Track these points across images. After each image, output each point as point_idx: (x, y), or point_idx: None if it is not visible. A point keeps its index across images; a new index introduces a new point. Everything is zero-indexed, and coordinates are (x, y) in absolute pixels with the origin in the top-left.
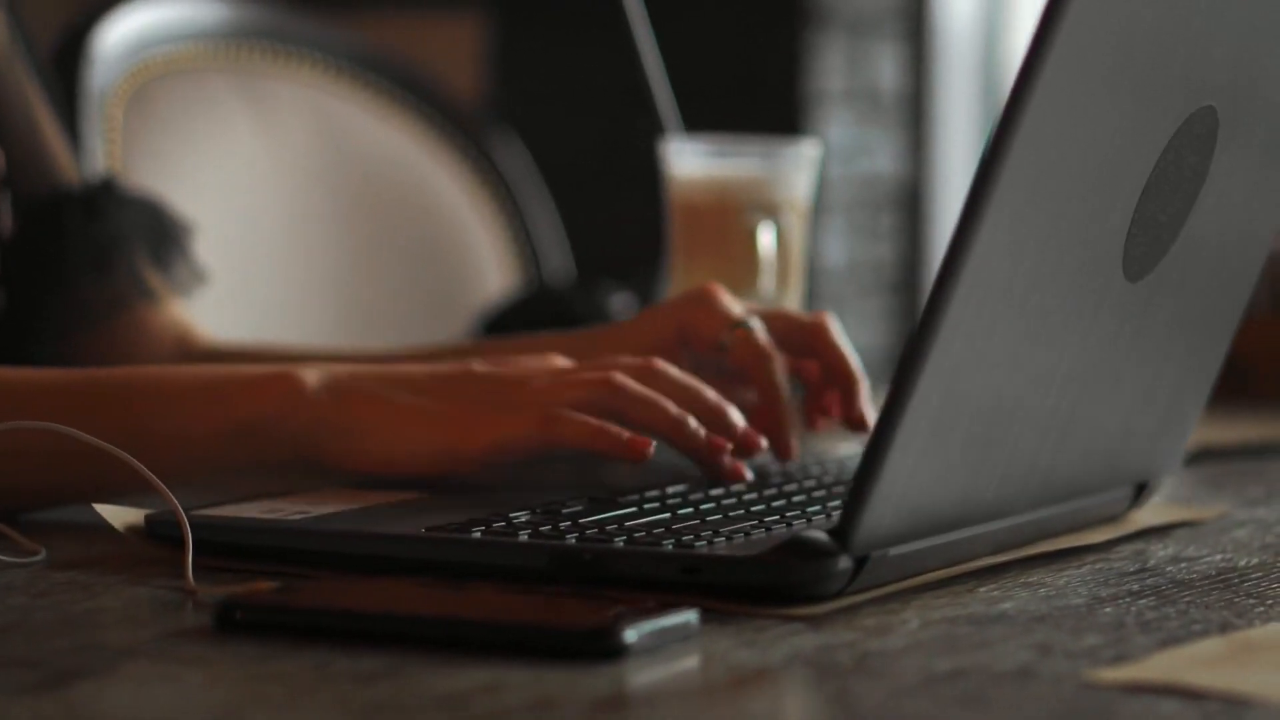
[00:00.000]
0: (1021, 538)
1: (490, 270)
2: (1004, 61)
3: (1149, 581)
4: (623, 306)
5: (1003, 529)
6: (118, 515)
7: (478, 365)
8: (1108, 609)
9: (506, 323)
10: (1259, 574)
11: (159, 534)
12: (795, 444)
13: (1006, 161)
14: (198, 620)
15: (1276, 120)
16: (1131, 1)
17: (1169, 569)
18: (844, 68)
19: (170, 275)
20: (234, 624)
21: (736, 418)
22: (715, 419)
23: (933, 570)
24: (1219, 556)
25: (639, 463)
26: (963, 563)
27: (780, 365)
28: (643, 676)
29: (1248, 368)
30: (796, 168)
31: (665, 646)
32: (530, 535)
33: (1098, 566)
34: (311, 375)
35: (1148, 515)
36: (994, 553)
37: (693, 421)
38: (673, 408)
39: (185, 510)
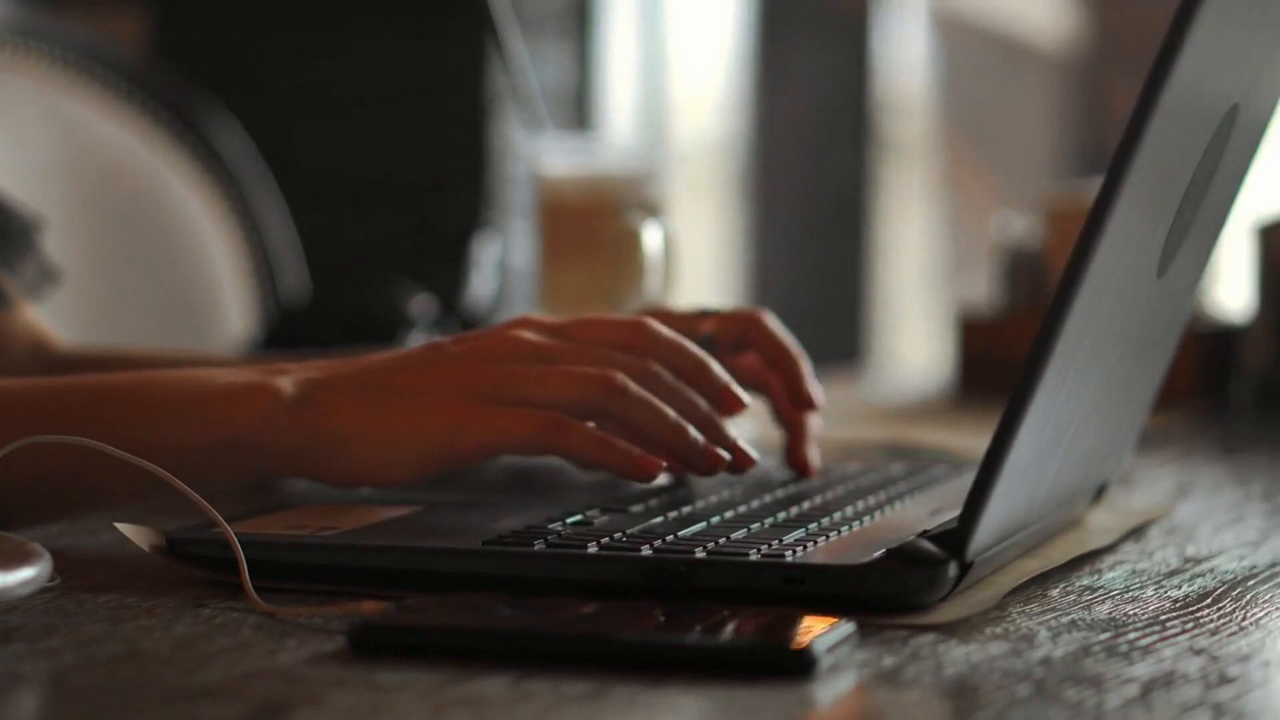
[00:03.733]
0: (1033, 541)
1: (223, 269)
2: (661, 58)
3: (1198, 584)
4: (421, 309)
5: (1028, 534)
6: (138, 534)
7: (449, 344)
8: (1204, 611)
9: (297, 328)
10: None
11: (184, 553)
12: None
13: (1120, 197)
14: (327, 643)
15: (1266, 115)
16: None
17: (1197, 569)
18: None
19: (18, 277)
20: (368, 647)
21: (733, 432)
22: (708, 427)
23: (986, 575)
24: (1224, 555)
25: (643, 482)
26: (1003, 567)
27: (772, 319)
28: (851, 691)
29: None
30: (668, 164)
31: (837, 660)
32: (599, 548)
33: (1127, 568)
34: (286, 384)
35: (1107, 516)
36: (1020, 557)
37: (692, 430)
38: (671, 414)
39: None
